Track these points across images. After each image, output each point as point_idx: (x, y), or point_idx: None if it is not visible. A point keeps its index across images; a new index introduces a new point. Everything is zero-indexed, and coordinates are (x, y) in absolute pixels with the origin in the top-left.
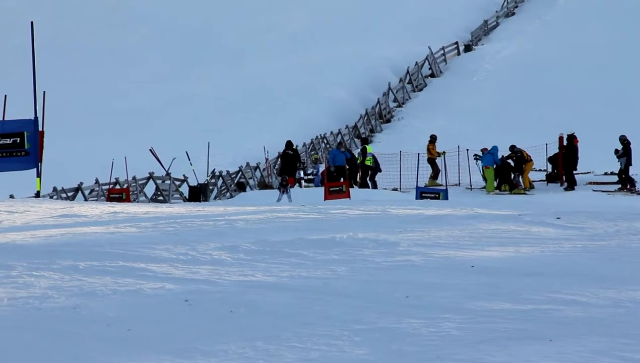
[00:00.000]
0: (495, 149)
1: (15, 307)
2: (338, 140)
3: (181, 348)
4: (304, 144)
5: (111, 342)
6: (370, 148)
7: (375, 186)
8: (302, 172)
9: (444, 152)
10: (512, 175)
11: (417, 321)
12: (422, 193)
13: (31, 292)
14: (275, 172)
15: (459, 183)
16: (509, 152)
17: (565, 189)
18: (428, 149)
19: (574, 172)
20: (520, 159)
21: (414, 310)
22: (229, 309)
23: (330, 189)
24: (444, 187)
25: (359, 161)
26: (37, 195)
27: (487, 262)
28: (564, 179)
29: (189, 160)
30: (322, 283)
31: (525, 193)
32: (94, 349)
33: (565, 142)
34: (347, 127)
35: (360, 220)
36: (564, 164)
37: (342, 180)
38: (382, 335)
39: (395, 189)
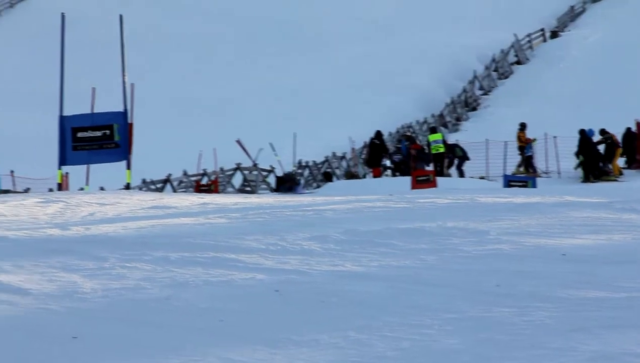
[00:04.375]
0: (590, 132)
1: (109, 298)
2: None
3: (274, 338)
4: (390, 133)
5: (204, 332)
6: (435, 136)
7: (462, 175)
8: (388, 161)
9: (534, 139)
10: (601, 163)
11: (508, 310)
12: (510, 182)
13: (124, 284)
14: (361, 161)
15: (547, 170)
16: (600, 137)
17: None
18: (518, 137)
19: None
20: (610, 144)
21: (505, 298)
22: (320, 299)
23: (418, 178)
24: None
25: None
26: (127, 187)
27: (578, 249)
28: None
29: (274, 151)
30: (412, 273)
31: (615, 180)
32: (187, 340)
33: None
34: (433, 115)
35: (449, 209)
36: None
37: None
38: (473, 324)
39: (483, 178)
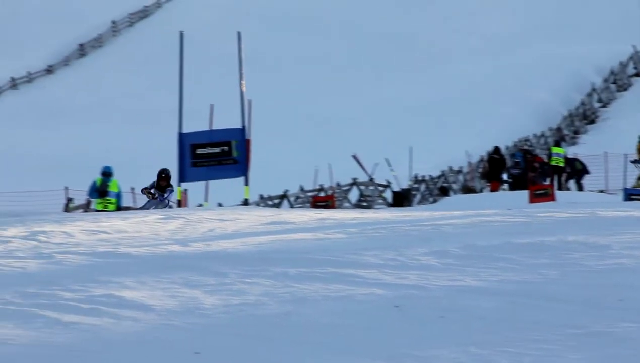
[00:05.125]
0: None
1: (230, 313)
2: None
3: (394, 354)
4: (507, 147)
5: (324, 347)
6: (558, 149)
7: (581, 188)
8: (505, 176)
9: None
10: None
11: (632, 325)
12: (630, 195)
13: (244, 299)
14: (478, 175)
15: None
16: None
17: None
18: (638, 149)
19: None
20: None
21: (629, 313)
22: (440, 314)
23: (536, 192)
24: None
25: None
26: (246, 202)
27: None
28: None
29: (389, 166)
30: (532, 288)
31: None
32: (308, 355)
33: None
34: (550, 128)
35: (569, 223)
36: None
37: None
38: (597, 340)
39: (602, 191)
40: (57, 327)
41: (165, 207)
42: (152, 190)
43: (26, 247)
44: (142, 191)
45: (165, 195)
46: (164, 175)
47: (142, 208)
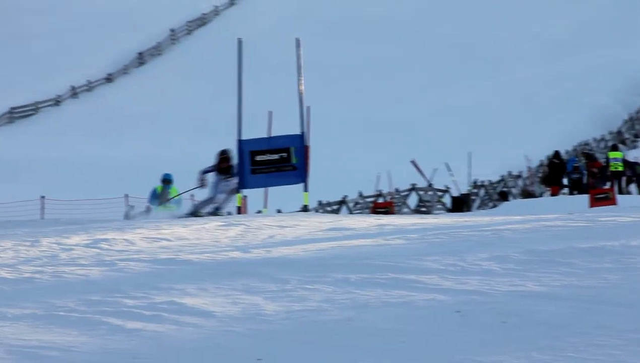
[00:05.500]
0: None
1: (291, 319)
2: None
3: (455, 360)
4: (567, 152)
5: (386, 354)
6: (615, 153)
7: None
8: (565, 180)
9: None
10: None
11: None
12: None
13: (306, 305)
14: (538, 180)
15: None
16: None
17: None
18: None
19: None
20: None
21: None
22: (502, 320)
23: (596, 196)
24: None
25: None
26: (305, 209)
27: None
28: None
29: (449, 171)
30: (595, 292)
31: None
32: (370, 360)
33: None
34: (610, 132)
35: (631, 227)
36: None
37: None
38: None
39: None
40: (121, 333)
41: (232, 192)
42: (203, 177)
43: (89, 254)
44: (200, 179)
45: (231, 180)
46: (224, 156)
47: (209, 198)
